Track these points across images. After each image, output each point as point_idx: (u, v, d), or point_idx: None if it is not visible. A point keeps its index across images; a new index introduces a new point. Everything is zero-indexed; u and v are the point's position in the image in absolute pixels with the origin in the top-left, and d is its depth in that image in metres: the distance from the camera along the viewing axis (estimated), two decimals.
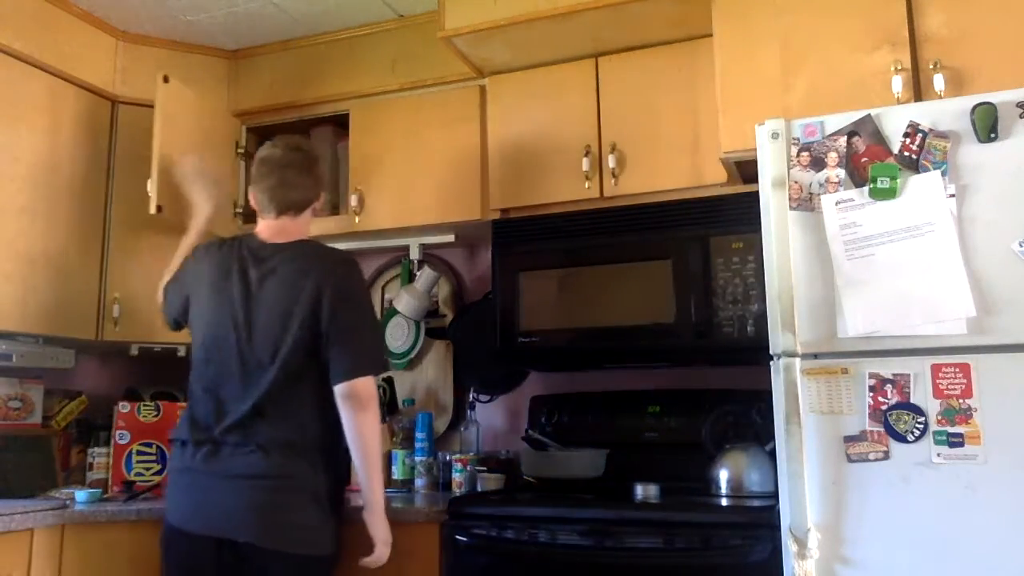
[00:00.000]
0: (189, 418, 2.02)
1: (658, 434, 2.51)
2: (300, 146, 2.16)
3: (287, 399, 1.95)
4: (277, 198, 2.10)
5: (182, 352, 2.92)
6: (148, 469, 2.64)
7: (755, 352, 1.96)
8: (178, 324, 2.21)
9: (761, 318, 1.97)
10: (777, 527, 1.71)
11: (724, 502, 2.10)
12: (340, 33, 2.92)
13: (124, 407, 2.66)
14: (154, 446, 2.66)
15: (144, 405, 2.70)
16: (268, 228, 2.12)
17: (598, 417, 2.59)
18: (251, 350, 1.97)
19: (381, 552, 1.97)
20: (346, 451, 2.00)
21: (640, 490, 2.16)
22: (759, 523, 1.84)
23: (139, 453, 2.64)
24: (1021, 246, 1.61)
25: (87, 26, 2.77)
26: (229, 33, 2.94)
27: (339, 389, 1.93)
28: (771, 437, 1.79)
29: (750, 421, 2.38)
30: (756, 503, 2.02)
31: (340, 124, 2.94)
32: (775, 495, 1.73)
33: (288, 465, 1.91)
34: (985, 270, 1.62)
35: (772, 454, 1.75)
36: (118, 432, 2.63)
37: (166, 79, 2.63)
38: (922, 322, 1.64)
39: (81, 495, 2.41)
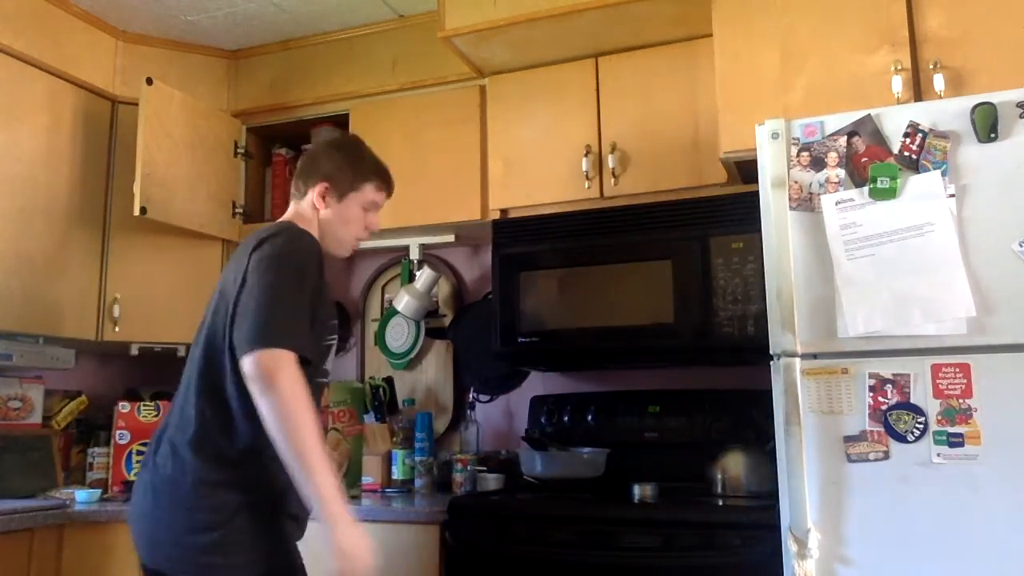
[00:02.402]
0: None
1: (658, 434, 2.51)
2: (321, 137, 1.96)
3: (198, 391, 1.63)
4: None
5: (182, 352, 2.92)
6: None
7: (755, 352, 1.96)
8: None
9: (761, 318, 1.97)
10: (777, 527, 1.71)
11: (724, 502, 2.10)
12: (340, 33, 2.92)
13: (124, 407, 2.66)
14: None
15: (144, 405, 2.70)
16: None
17: (598, 417, 2.59)
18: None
19: (341, 568, 1.61)
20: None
21: (640, 490, 2.16)
22: (759, 523, 1.84)
23: (139, 453, 2.64)
24: (1021, 246, 1.61)
25: (87, 26, 2.77)
26: (229, 33, 2.94)
27: (242, 369, 1.53)
28: (771, 437, 1.79)
29: (750, 421, 2.38)
30: (756, 503, 2.02)
31: (340, 124, 2.94)
32: (775, 495, 1.72)
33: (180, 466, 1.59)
34: (985, 270, 1.62)
35: (772, 454, 1.75)
36: (118, 432, 2.63)
37: (149, 81, 2.63)
38: (922, 322, 1.64)
39: (81, 495, 2.42)
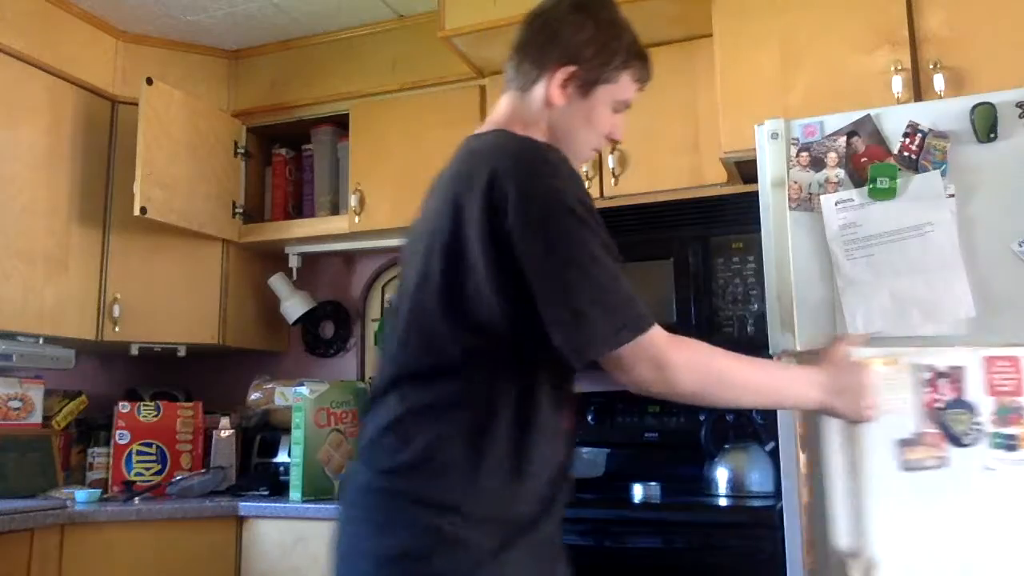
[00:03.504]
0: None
1: (658, 434, 2.51)
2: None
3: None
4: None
5: (182, 352, 2.92)
6: (148, 469, 2.64)
7: (755, 352, 1.95)
8: None
9: (761, 318, 1.97)
10: (777, 527, 1.71)
11: (724, 502, 2.10)
12: (340, 33, 2.92)
13: (124, 407, 2.66)
14: (154, 446, 2.67)
15: (144, 405, 2.70)
16: None
17: (598, 417, 2.59)
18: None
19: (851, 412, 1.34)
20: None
21: (640, 490, 2.16)
22: (759, 523, 1.84)
23: (139, 453, 2.65)
24: (1021, 246, 1.61)
25: (87, 26, 2.77)
26: (229, 33, 2.94)
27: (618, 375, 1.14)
28: (771, 437, 1.79)
29: (750, 421, 2.38)
30: (756, 503, 2.02)
31: (340, 124, 2.94)
32: (775, 495, 1.72)
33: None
34: (985, 270, 1.62)
35: (772, 454, 1.75)
36: (118, 432, 2.63)
37: (149, 81, 2.64)
38: (921, 322, 1.64)
39: (81, 495, 2.42)
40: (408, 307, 1.21)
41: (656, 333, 1.12)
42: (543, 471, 1.16)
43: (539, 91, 1.29)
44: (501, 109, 1.34)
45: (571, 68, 1.27)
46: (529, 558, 1.12)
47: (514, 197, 1.11)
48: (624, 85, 1.34)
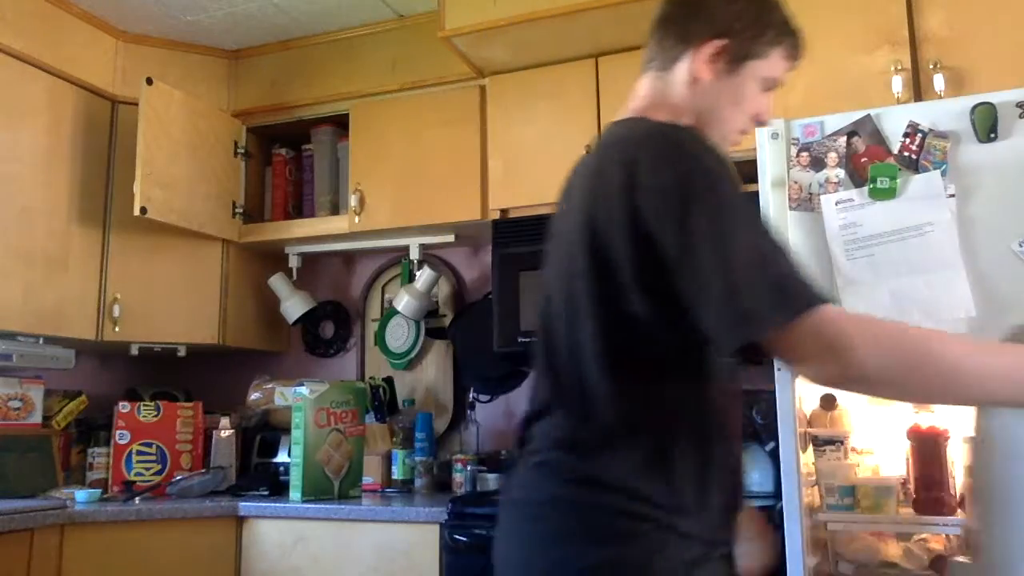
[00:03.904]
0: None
1: None
2: None
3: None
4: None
5: (182, 352, 2.92)
6: (148, 469, 2.64)
7: (755, 352, 1.96)
8: None
9: None
10: (777, 527, 1.71)
11: None
12: (340, 33, 2.92)
13: (124, 407, 2.66)
14: (154, 446, 2.67)
15: (144, 405, 2.70)
16: None
17: None
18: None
19: None
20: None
21: None
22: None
23: (139, 453, 2.65)
24: (1021, 246, 1.61)
25: (87, 26, 2.77)
26: (229, 33, 2.94)
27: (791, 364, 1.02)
28: (771, 437, 1.79)
29: (750, 421, 2.37)
30: (756, 503, 2.02)
31: (340, 124, 2.94)
32: (775, 495, 1.72)
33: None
34: (985, 270, 1.62)
35: (772, 454, 1.75)
36: (118, 432, 2.63)
37: (149, 81, 2.64)
38: (922, 322, 1.64)
39: (81, 495, 2.42)
40: (558, 321, 1.13)
41: (830, 309, 0.94)
42: (721, 479, 1.08)
43: (683, 69, 1.19)
44: (640, 93, 1.26)
45: (720, 42, 1.16)
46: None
47: (652, 188, 1.01)
48: (775, 62, 1.23)
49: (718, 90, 1.19)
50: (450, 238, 2.80)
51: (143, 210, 2.56)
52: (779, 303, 0.95)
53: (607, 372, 1.05)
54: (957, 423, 1.69)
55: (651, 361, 1.05)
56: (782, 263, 0.98)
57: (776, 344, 0.97)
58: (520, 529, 1.11)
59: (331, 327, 3.17)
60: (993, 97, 1.67)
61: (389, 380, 2.92)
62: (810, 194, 1.76)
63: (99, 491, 2.49)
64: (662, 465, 1.03)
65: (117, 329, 2.73)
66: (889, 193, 1.70)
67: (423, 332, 2.97)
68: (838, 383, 0.97)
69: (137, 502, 2.42)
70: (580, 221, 1.10)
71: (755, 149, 1.83)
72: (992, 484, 1.22)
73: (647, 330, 1.03)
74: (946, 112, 1.69)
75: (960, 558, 1.55)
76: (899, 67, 1.98)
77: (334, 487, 2.46)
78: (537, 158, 2.54)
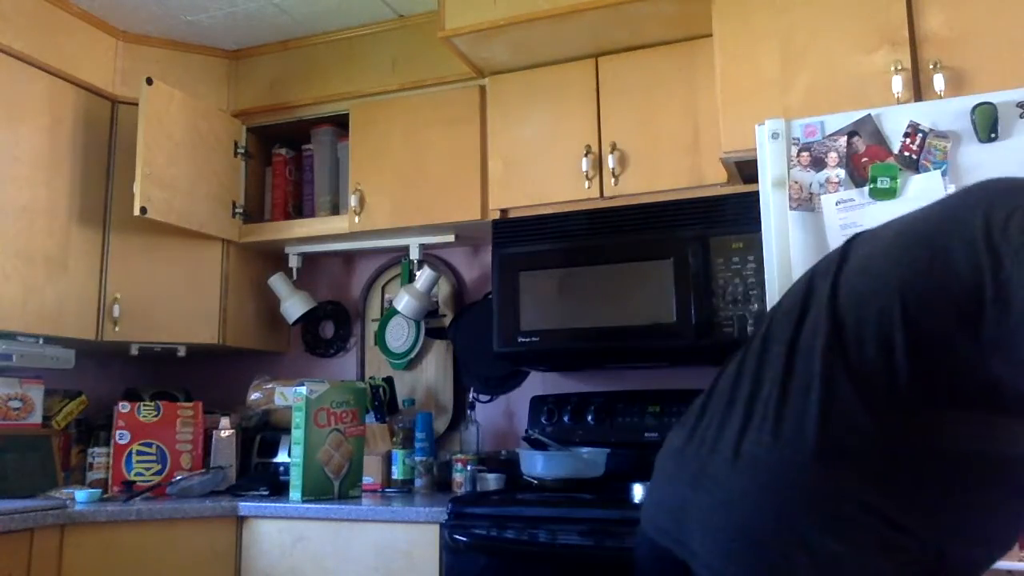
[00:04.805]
0: None
1: (658, 434, 2.51)
2: None
3: None
4: None
5: (182, 352, 2.92)
6: (148, 469, 2.64)
7: None
8: None
9: (761, 318, 1.97)
10: None
11: None
12: (340, 33, 2.92)
13: (124, 407, 2.66)
14: (154, 446, 2.66)
15: (144, 405, 2.70)
16: None
17: (598, 417, 2.59)
18: None
19: None
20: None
21: (640, 490, 2.16)
22: None
23: (139, 453, 2.64)
24: None
25: (87, 26, 2.77)
26: (229, 33, 2.94)
27: None
28: None
29: None
30: None
31: (340, 124, 2.94)
32: None
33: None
34: None
35: None
36: (118, 432, 2.63)
37: (149, 81, 2.64)
38: None
39: (81, 495, 2.42)
40: None
41: None
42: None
43: None
44: None
45: None
46: None
47: None
48: None
49: None
50: (450, 238, 2.80)
51: (143, 210, 2.57)
52: None
53: None
54: None
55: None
56: None
57: None
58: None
59: (331, 327, 3.18)
60: (993, 97, 1.67)
61: (389, 380, 2.92)
62: (810, 194, 1.76)
63: (99, 491, 2.49)
64: None
65: (117, 329, 2.73)
66: (889, 193, 1.70)
67: (423, 332, 2.97)
68: None
69: (137, 502, 2.42)
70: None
71: (755, 149, 1.84)
72: None
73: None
74: (946, 112, 1.69)
75: None
76: (899, 67, 1.98)
77: (334, 487, 2.46)
78: (537, 158, 2.54)
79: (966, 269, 0.95)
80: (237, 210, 2.96)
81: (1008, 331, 0.92)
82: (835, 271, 1.11)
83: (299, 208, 3.06)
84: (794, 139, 1.79)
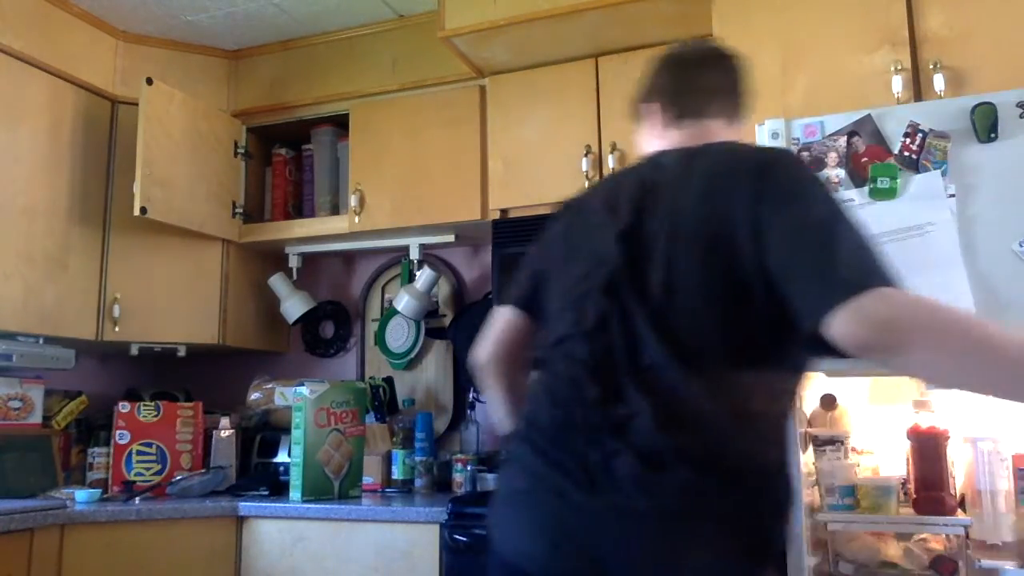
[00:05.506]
0: None
1: None
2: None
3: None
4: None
5: (182, 352, 2.92)
6: (148, 469, 2.64)
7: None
8: None
9: None
10: None
11: None
12: (340, 33, 2.92)
13: (124, 407, 2.66)
14: (154, 446, 2.66)
15: (144, 405, 2.70)
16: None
17: None
18: None
19: None
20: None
21: None
22: None
23: (139, 453, 2.64)
24: (1021, 246, 1.61)
25: (87, 26, 2.77)
26: (229, 33, 2.94)
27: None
28: None
29: None
30: None
31: (340, 124, 2.94)
32: None
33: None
34: (985, 270, 1.62)
35: None
36: (118, 432, 2.63)
37: (149, 81, 2.64)
38: None
39: (81, 495, 2.42)
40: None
41: (896, 290, 1.02)
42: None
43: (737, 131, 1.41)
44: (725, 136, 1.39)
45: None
46: None
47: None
48: None
49: None
50: (450, 238, 2.80)
51: (143, 210, 2.57)
52: (860, 279, 1.02)
53: None
54: (957, 423, 1.70)
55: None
56: (868, 248, 1.08)
57: (842, 319, 0.99)
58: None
59: (331, 327, 3.17)
60: (993, 97, 1.67)
61: (389, 380, 2.92)
62: None
63: (99, 491, 2.49)
64: None
65: (117, 329, 2.73)
66: (889, 193, 1.70)
67: (423, 332, 2.97)
68: (887, 363, 0.99)
69: (137, 502, 2.42)
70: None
71: None
72: None
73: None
74: (946, 112, 1.69)
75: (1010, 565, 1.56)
76: (899, 67, 1.98)
77: (334, 487, 2.46)
78: (537, 158, 2.54)
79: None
80: (237, 210, 2.96)
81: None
82: None
83: (299, 208, 3.06)
84: (794, 139, 1.79)
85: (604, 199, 1.31)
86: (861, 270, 1.04)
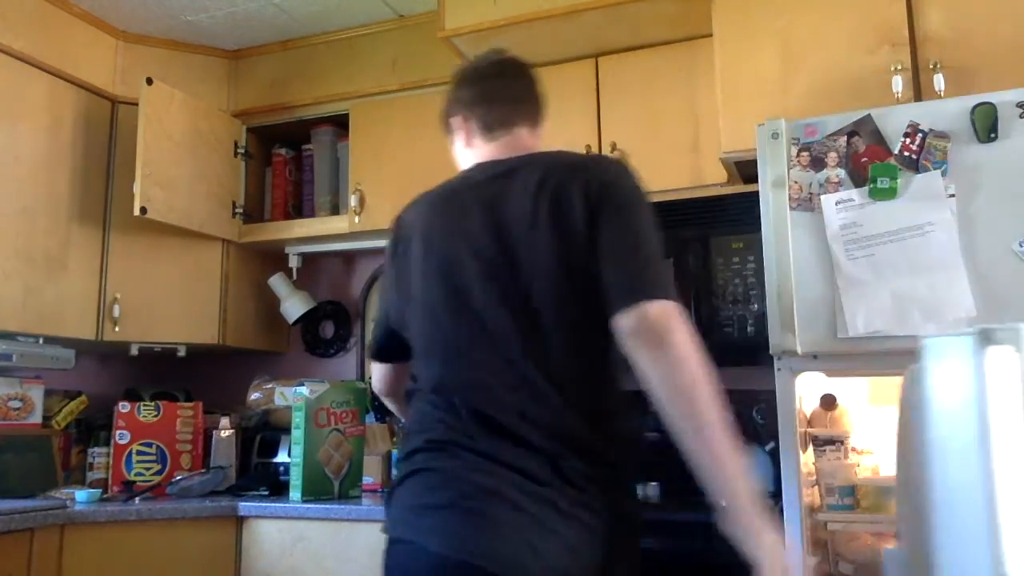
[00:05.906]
0: None
1: (658, 434, 2.50)
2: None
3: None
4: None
5: (182, 352, 2.92)
6: (148, 469, 2.64)
7: (755, 352, 1.96)
8: None
9: (761, 318, 1.97)
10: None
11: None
12: (340, 33, 2.92)
13: (124, 407, 2.66)
14: (154, 446, 2.66)
15: (144, 405, 2.70)
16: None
17: None
18: None
19: None
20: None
21: (640, 490, 2.16)
22: None
23: (139, 453, 2.64)
24: (1021, 246, 1.61)
25: (87, 26, 2.77)
26: (229, 33, 2.94)
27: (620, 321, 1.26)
28: (771, 437, 1.79)
29: (750, 421, 2.38)
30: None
31: (340, 124, 2.94)
32: (775, 495, 1.72)
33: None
34: (985, 270, 1.62)
35: (772, 454, 1.75)
36: (118, 432, 2.63)
37: (149, 81, 2.64)
38: (922, 322, 1.64)
39: (81, 495, 2.42)
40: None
41: (681, 311, 1.26)
42: None
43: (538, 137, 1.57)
44: (536, 144, 1.54)
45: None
46: None
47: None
48: None
49: None
50: None
51: (143, 210, 2.57)
52: (665, 286, 1.28)
53: None
54: None
55: None
56: (665, 266, 1.36)
57: (639, 314, 1.24)
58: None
59: (331, 327, 3.17)
60: (993, 97, 1.67)
61: None
62: (810, 194, 1.76)
63: (99, 491, 2.49)
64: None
65: (117, 329, 2.73)
66: (889, 193, 1.70)
67: None
68: (650, 367, 1.28)
69: (137, 502, 2.42)
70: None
71: (755, 149, 1.84)
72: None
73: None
74: (946, 112, 1.69)
75: (890, 546, 1.59)
76: (899, 67, 1.98)
77: (334, 487, 2.46)
78: None
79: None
80: (237, 210, 2.96)
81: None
82: None
83: (299, 208, 3.06)
84: (794, 139, 1.79)
85: (442, 221, 1.46)
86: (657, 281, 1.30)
